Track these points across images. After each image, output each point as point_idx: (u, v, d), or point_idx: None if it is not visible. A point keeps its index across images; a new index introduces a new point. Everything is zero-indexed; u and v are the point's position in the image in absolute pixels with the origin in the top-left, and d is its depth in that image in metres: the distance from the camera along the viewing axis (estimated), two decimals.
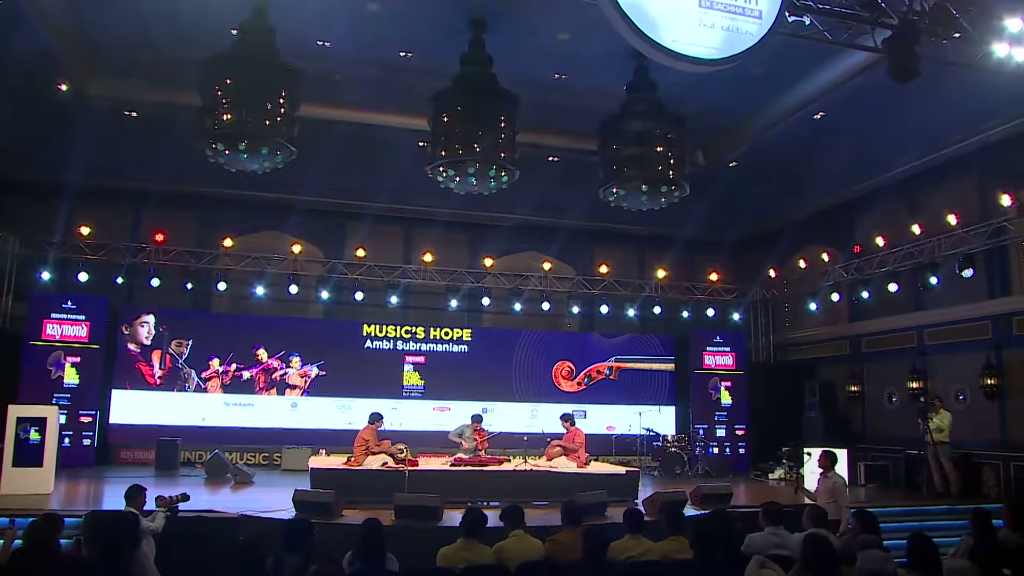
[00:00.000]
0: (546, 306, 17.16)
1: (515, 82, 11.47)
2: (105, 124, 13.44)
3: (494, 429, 13.72)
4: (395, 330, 17.06)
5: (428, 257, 16.42)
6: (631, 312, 17.61)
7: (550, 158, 15.17)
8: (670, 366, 18.19)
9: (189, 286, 15.57)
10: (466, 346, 17.40)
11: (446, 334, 17.31)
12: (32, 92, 12.62)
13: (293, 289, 15.79)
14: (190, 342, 16.00)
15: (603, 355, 18.00)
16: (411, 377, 16.97)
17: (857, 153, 14.32)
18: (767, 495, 10.69)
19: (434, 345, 17.23)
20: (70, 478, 12.30)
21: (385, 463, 10.86)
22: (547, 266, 17.37)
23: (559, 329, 18.25)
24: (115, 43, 12.05)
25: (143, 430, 15.20)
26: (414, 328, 17.16)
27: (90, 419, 14.66)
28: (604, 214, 14.28)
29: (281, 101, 10.57)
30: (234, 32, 10.54)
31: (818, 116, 13.19)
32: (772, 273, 18.09)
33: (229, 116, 10.31)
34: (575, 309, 17.74)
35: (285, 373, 16.42)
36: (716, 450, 17.01)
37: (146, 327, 15.78)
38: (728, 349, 17.66)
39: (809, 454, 11.95)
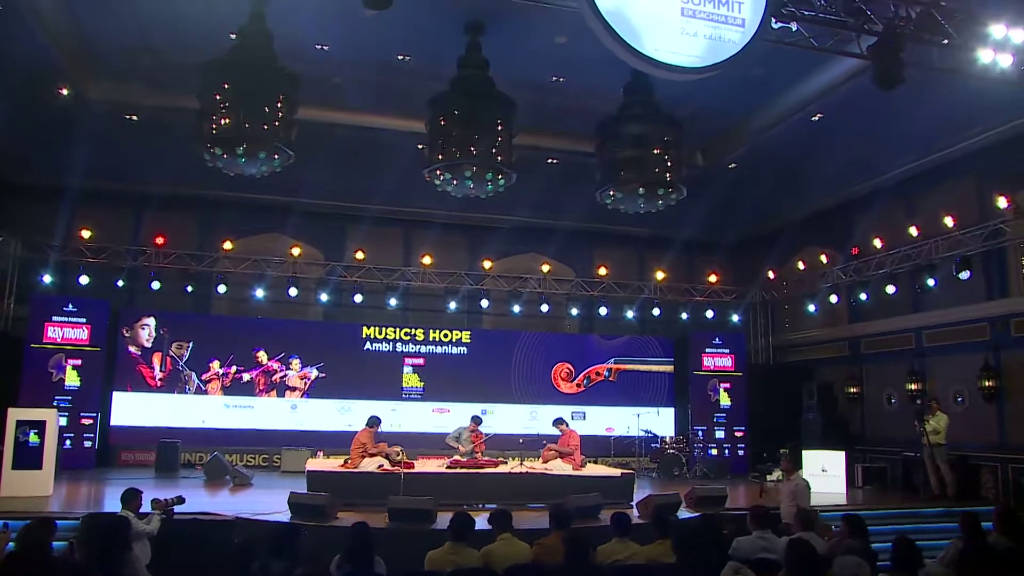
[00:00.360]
0: (545, 308, 17.20)
1: (513, 84, 11.51)
2: (105, 128, 13.50)
3: (494, 431, 13.78)
4: (394, 332, 17.13)
5: (427, 259, 16.48)
6: (630, 314, 17.62)
7: (549, 160, 15.20)
8: (669, 368, 18.23)
9: (189, 289, 15.62)
10: (465, 348, 17.45)
11: (445, 336, 17.37)
12: (33, 96, 12.68)
13: (293, 291, 15.90)
14: (190, 344, 16.09)
15: (602, 357, 18.03)
16: (410, 379, 17.03)
17: (855, 155, 14.33)
18: (766, 498, 10.69)
19: (433, 347, 17.28)
20: (71, 480, 12.39)
21: (381, 466, 10.89)
22: (546, 268, 17.41)
23: (558, 331, 18.29)
24: (115, 47, 12.11)
25: (144, 432, 15.28)
26: (413, 330, 17.23)
27: (91, 421, 14.75)
28: (603, 216, 14.30)
29: (279, 105, 10.60)
30: (233, 36, 10.60)
31: (816, 118, 13.18)
32: (771, 274, 18.10)
33: (227, 120, 10.34)
34: (574, 311, 17.76)
35: (285, 375, 16.49)
36: (715, 452, 17.01)
37: (147, 330, 15.87)
38: (727, 351, 17.66)
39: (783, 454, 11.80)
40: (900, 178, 14.66)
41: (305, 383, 16.58)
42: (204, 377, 16.10)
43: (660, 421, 17.35)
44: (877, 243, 14.90)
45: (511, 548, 5.92)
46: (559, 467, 11.59)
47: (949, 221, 13.33)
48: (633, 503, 10.71)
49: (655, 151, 11.99)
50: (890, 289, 14.37)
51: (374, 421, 11.64)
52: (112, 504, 9.17)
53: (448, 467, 11.43)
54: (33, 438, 10.52)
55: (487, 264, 16.96)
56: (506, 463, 11.91)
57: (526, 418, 16.86)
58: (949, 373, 14.02)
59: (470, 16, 11.11)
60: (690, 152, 14.60)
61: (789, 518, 7.96)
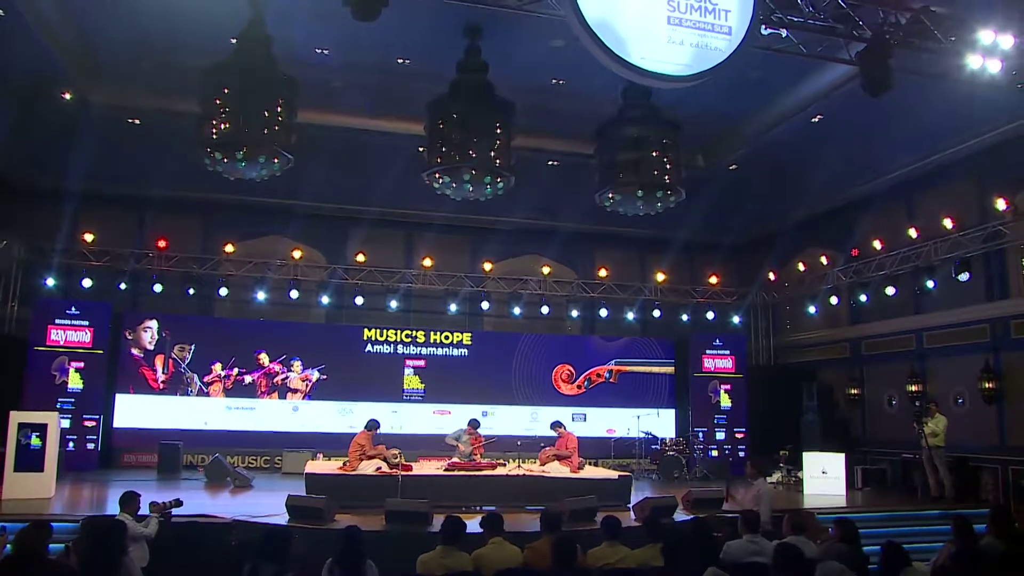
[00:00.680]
0: (546, 309, 17.25)
1: (513, 87, 11.55)
2: (108, 131, 13.59)
3: (494, 432, 13.82)
4: (395, 334, 17.18)
5: (428, 261, 16.54)
6: (631, 315, 17.66)
7: (549, 162, 15.23)
8: (670, 369, 18.23)
9: (191, 291, 15.72)
10: (466, 350, 17.48)
11: (446, 338, 17.41)
12: (36, 100, 12.81)
13: (294, 294, 15.99)
14: (192, 347, 16.17)
15: (603, 358, 18.05)
16: (411, 381, 17.08)
17: (855, 156, 14.35)
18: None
19: (434, 349, 17.33)
20: (73, 482, 12.48)
21: (379, 468, 10.94)
22: (547, 270, 17.45)
23: (559, 332, 18.31)
24: (117, 52, 12.21)
25: (146, 434, 15.37)
26: (414, 332, 17.28)
27: (94, 423, 14.85)
28: (604, 217, 14.31)
29: (278, 110, 10.68)
30: (233, 41, 10.66)
31: (816, 119, 13.20)
32: (772, 276, 18.09)
33: (227, 125, 10.45)
34: (575, 312, 17.79)
35: (286, 377, 16.56)
36: (715, 453, 17.02)
37: (149, 332, 15.97)
38: (728, 352, 17.67)
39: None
40: (900, 180, 14.65)
41: (306, 385, 16.65)
42: (206, 379, 16.18)
43: (661, 423, 17.35)
44: (877, 245, 14.92)
45: (502, 552, 5.95)
46: (557, 469, 11.61)
47: (948, 223, 13.34)
48: (630, 505, 10.72)
49: (654, 153, 12.05)
50: (890, 291, 14.38)
51: (373, 424, 11.71)
52: (113, 507, 9.21)
53: (446, 470, 11.47)
54: (35, 441, 10.60)
55: (488, 266, 17.01)
56: (504, 465, 11.95)
57: (527, 420, 16.90)
58: (949, 375, 14.01)
59: (469, 19, 11.14)
60: (690, 154, 14.62)
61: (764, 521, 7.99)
